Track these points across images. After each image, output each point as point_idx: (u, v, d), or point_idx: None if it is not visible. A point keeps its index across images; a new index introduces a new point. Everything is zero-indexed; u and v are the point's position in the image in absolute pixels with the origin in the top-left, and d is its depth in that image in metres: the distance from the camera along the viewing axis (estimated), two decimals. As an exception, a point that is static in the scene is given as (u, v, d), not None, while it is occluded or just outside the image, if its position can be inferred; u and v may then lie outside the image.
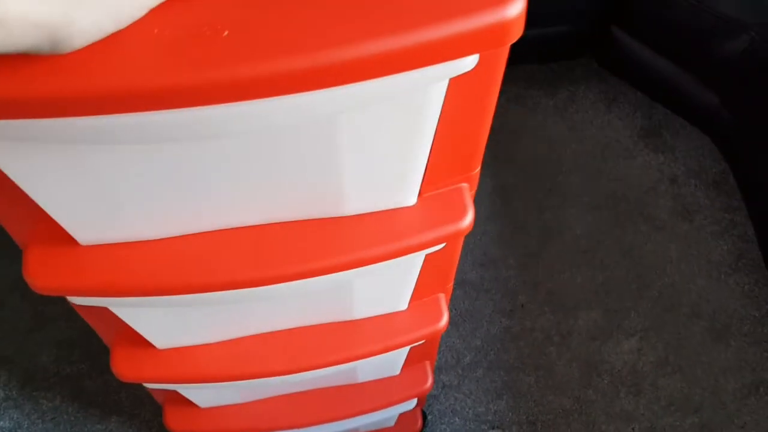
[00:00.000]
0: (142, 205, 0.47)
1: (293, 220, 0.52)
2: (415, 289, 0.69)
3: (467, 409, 1.40)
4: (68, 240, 0.51)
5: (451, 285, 0.75)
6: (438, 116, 0.44)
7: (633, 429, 1.36)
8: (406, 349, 0.85)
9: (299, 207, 0.51)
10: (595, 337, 1.45)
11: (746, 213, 1.53)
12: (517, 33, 0.36)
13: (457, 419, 1.39)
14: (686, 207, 1.57)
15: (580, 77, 1.73)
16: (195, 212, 0.49)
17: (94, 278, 0.52)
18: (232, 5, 0.34)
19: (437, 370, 1.43)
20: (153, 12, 0.33)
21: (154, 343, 0.70)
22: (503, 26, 0.35)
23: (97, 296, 0.54)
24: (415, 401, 1.08)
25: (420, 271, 0.65)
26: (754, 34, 1.31)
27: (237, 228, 0.52)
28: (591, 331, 1.46)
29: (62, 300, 0.57)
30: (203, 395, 0.91)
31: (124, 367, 0.72)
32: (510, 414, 1.39)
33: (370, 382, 0.97)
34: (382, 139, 0.44)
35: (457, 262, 0.69)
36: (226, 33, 0.33)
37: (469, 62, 0.38)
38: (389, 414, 1.09)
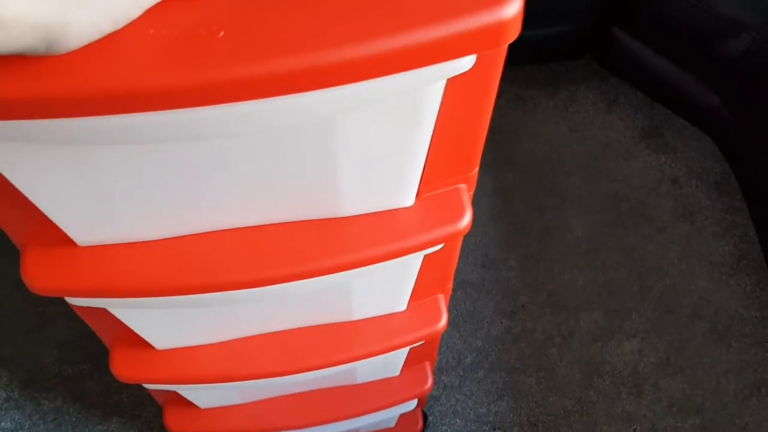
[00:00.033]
0: (140, 206, 0.47)
1: (291, 220, 0.52)
2: (414, 289, 0.69)
3: (468, 410, 1.40)
4: (66, 241, 0.51)
5: (450, 286, 0.75)
6: (436, 117, 0.44)
7: (634, 430, 1.36)
8: (406, 349, 0.85)
9: (297, 208, 0.51)
10: (596, 338, 1.45)
11: (747, 214, 1.53)
12: (514, 33, 0.36)
13: (458, 420, 1.39)
14: (687, 208, 1.57)
15: (580, 78, 1.73)
16: (192, 213, 0.49)
17: (92, 279, 0.52)
18: (228, 6, 0.34)
19: (438, 371, 1.43)
20: (149, 12, 0.33)
21: (152, 343, 0.70)
22: (500, 26, 0.35)
23: (95, 297, 0.54)
24: (415, 402, 1.07)
25: (419, 271, 0.65)
26: (755, 34, 1.31)
27: (234, 229, 0.52)
28: (592, 332, 1.45)
29: (63, 300, 0.58)
30: (203, 396, 0.91)
31: (123, 368, 0.72)
32: (511, 415, 1.39)
33: (370, 382, 0.97)
34: (379, 140, 0.44)
35: (456, 262, 0.69)
36: (221, 33, 0.33)
37: (467, 63, 0.38)
38: (389, 415, 1.09)
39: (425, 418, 1.38)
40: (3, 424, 1.38)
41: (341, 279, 0.57)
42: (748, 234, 1.53)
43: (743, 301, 1.46)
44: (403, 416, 1.20)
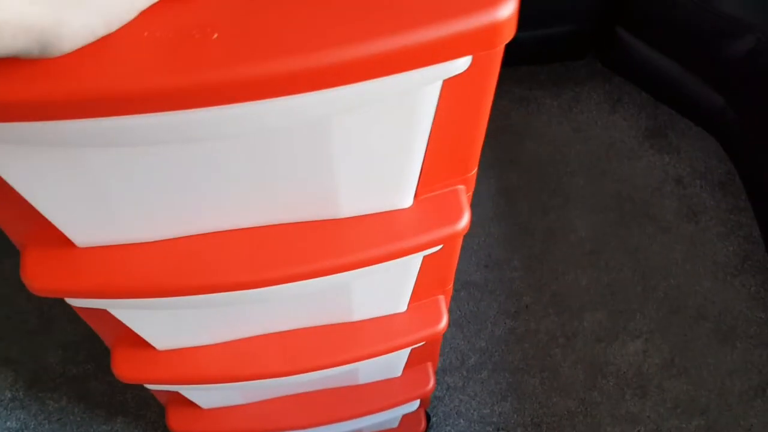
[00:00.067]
0: (137, 208, 0.47)
1: (289, 221, 0.53)
2: (413, 291, 0.69)
3: (472, 411, 1.39)
4: (65, 242, 0.51)
5: (450, 287, 0.75)
6: (432, 118, 0.44)
7: (639, 431, 1.35)
8: (407, 350, 0.85)
9: (294, 209, 0.51)
10: (600, 339, 1.44)
11: (752, 214, 1.52)
12: (508, 35, 0.36)
13: (461, 421, 1.39)
14: (692, 208, 1.56)
15: (584, 78, 1.73)
16: (190, 214, 0.49)
17: (92, 280, 0.52)
18: (223, 7, 0.34)
19: (442, 372, 1.43)
20: (143, 14, 0.33)
21: (153, 344, 0.70)
22: (495, 28, 0.35)
23: (94, 298, 0.55)
24: (417, 402, 1.07)
25: (418, 272, 0.65)
26: (759, 34, 1.31)
27: (233, 230, 0.52)
28: (596, 332, 1.45)
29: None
30: (205, 396, 0.91)
31: (124, 368, 0.72)
32: (515, 416, 1.39)
33: (371, 383, 0.97)
34: (376, 141, 0.44)
35: (455, 264, 0.69)
36: (215, 35, 0.33)
37: (461, 64, 0.38)
38: (392, 415, 1.09)
39: (428, 418, 1.38)
40: (8, 423, 1.39)
41: (340, 280, 0.57)
42: (752, 234, 1.52)
43: (748, 301, 1.46)
44: (406, 417, 1.20)
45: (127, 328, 0.65)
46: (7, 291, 1.50)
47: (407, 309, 0.74)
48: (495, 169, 1.62)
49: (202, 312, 0.64)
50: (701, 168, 1.61)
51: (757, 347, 1.41)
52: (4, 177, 0.41)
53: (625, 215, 1.56)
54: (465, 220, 0.54)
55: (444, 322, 0.74)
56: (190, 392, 0.87)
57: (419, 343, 0.76)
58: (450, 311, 1.45)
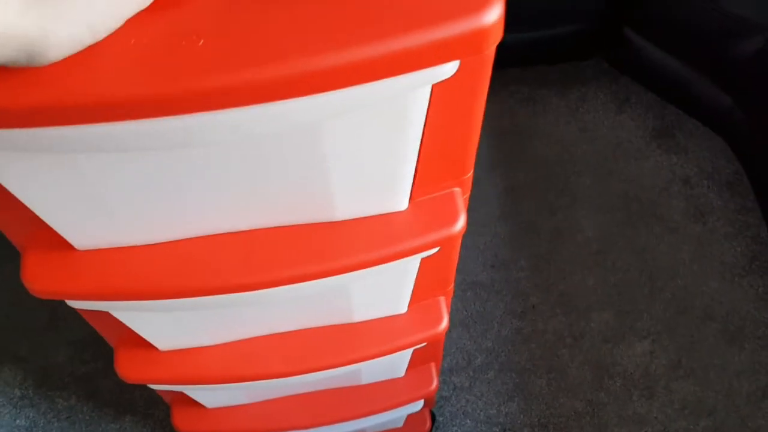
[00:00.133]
0: (133, 211, 0.47)
1: (285, 224, 0.53)
2: (413, 292, 0.69)
3: (478, 411, 1.40)
4: (65, 244, 0.52)
5: (451, 288, 0.75)
6: (423, 122, 0.44)
7: (645, 432, 1.35)
8: (410, 351, 0.85)
9: (290, 212, 0.51)
10: (607, 339, 1.44)
11: (760, 214, 1.51)
12: (495, 39, 0.36)
13: (468, 421, 1.39)
14: (699, 208, 1.55)
15: (591, 78, 1.72)
16: (186, 217, 0.50)
17: (91, 282, 0.53)
18: (209, 14, 0.34)
19: (448, 372, 1.43)
20: (130, 22, 0.33)
21: (155, 345, 0.71)
22: (481, 33, 0.35)
23: (94, 300, 0.55)
24: (421, 402, 1.08)
25: (417, 274, 0.65)
26: (767, 34, 1.30)
27: (230, 233, 0.53)
28: (603, 333, 1.45)
29: (73, 301, 0.59)
30: (209, 396, 0.92)
31: (127, 368, 0.73)
32: (521, 416, 1.38)
33: (375, 383, 0.98)
34: (367, 146, 0.44)
35: (455, 265, 0.69)
36: (201, 42, 0.33)
37: (449, 69, 0.39)
38: (396, 415, 1.09)
39: (433, 418, 1.38)
40: (18, 421, 1.40)
41: (338, 282, 0.58)
42: (760, 235, 1.51)
43: (756, 302, 1.45)
44: (410, 416, 1.20)
45: (129, 329, 0.66)
46: (15, 290, 1.51)
47: (407, 310, 0.74)
48: (501, 168, 1.61)
49: (201, 313, 0.64)
50: (709, 168, 1.60)
51: (764, 348, 1.40)
52: (1, 182, 0.42)
53: (632, 215, 1.56)
54: (461, 223, 0.55)
55: (444, 323, 0.75)
56: (194, 392, 0.87)
57: (420, 344, 0.77)
58: (456, 311, 1.46)
